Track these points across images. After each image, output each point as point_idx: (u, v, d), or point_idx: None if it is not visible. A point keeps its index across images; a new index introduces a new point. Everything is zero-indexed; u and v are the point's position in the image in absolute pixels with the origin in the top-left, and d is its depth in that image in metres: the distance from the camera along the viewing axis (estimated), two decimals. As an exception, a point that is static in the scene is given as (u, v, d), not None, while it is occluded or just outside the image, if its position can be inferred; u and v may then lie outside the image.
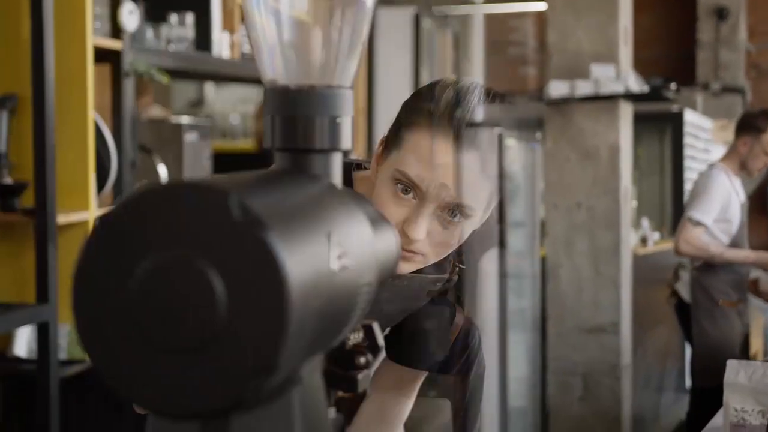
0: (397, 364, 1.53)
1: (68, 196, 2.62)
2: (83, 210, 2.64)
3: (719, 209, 4.35)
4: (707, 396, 4.36)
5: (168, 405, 0.66)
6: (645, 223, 6.74)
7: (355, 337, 1.00)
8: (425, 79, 6.33)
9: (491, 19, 9.02)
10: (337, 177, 0.87)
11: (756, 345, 5.43)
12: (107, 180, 2.74)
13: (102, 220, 0.67)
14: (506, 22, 9.67)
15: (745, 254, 4.48)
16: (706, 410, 4.64)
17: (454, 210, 1.27)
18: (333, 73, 0.87)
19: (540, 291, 5.46)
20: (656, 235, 6.65)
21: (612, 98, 5.45)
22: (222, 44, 3.36)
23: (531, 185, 6.26)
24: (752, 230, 5.84)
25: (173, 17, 3.18)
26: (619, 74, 5.49)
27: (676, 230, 4.56)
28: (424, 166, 1.27)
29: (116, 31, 2.79)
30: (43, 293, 2.44)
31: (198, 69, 3.28)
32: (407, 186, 1.28)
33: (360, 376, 0.89)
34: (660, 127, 7.20)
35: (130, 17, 2.76)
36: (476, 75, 7.78)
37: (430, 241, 1.30)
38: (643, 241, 6.29)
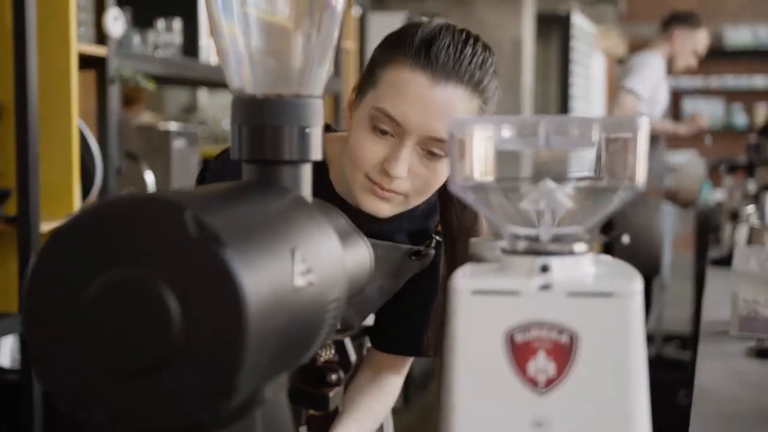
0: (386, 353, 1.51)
1: (52, 203, 2.59)
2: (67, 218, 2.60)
3: (651, 88, 4.40)
4: None
5: (123, 428, 0.64)
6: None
7: (326, 354, 0.97)
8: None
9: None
10: (306, 189, 0.84)
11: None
12: (92, 187, 2.71)
13: (55, 234, 0.64)
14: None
15: (667, 125, 4.52)
16: None
17: (436, 146, 1.25)
18: (302, 82, 0.85)
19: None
20: None
21: None
22: (210, 50, 3.33)
23: None
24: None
25: (160, 23, 3.16)
26: None
27: (612, 104, 4.54)
28: (403, 101, 1.25)
29: (102, 37, 2.76)
30: (26, 302, 2.41)
31: (185, 75, 3.25)
32: (385, 124, 1.26)
33: (331, 393, 0.86)
34: (547, 29, 7.12)
35: (116, 23, 2.73)
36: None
37: (411, 181, 1.27)
38: None
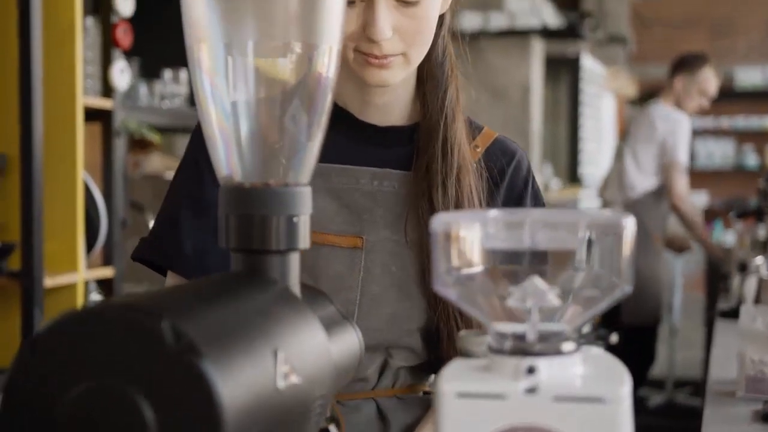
0: None
1: (56, 258, 2.59)
2: (72, 272, 2.60)
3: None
4: (635, 334, 4.36)
5: None
6: (547, 169, 6.73)
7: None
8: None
9: None
10: (294, 277, 0.84)
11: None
12: (96, 240, 2.71)
13: (30, 342, 0.63)
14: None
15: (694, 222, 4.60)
16: (634, 348, 4.62)
17: None
18: (290, 170, 0.84)
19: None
20: (557, 182, 6.68)
21: (525, 33, 5.46)
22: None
23: None
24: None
25: (167, 73, 3.17)
26: (534, 6, 5.49)
27: (666, 180, 4.51)
28: None
29: (108, 89, 2.77)
30: (29, 356, 2.39)
31: (192, 125, 3.26)
32: None
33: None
34: (555, 71, 7.13)
35: (122, 76, 2.75)
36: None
37: (400, 37, 1.21)
38: (545, 187, 6.31)
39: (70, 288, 2.62)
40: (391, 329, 1.25)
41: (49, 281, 2.51)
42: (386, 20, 1.18)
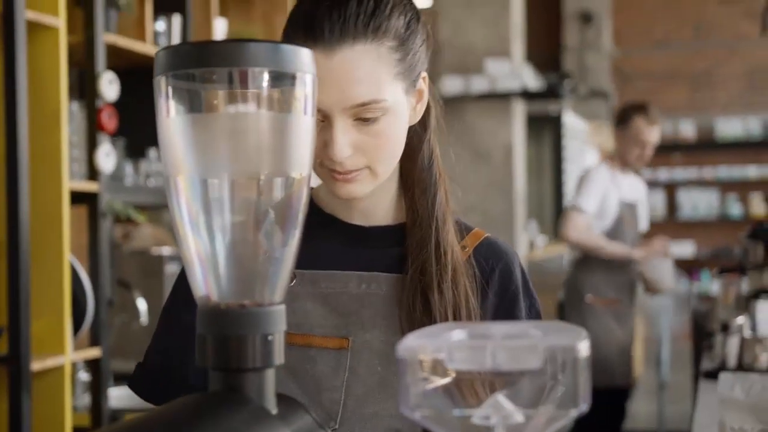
0: None
1: (43, 341, 2.61)
2: (59, 354, 2.62)
3: (598, 202, 4.40)
4: (607, 396, 4.32)
5: None
6: (533, 226, 6.74)
7: None
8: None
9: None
10: (269, 393, 0.87)
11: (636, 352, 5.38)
12: (84, 322, 2.73)
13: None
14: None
15: (622, 248, 4.45)
16: (603, 409, 4.56)
17: (365, 111, 1.20)
18: (264, 290, 0.88)
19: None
20: (543, 239, 6.71)
21: (506, 96, 5.50)
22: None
23: None
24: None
25: (152, 152, 3.22)
26: (514, 69, 5.54)
27: (561, 223, 4.51)
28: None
29: (93, 172, 2.81)
30: (17, 442, 2.42)
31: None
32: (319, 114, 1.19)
33: None
34: (538, 129, 7.20)
35: (107, 159, 2.79)
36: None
37: (362, 153, 1.22)
38: (531, 244, 6.33)
39: (58, 370, 2.63)
40: (375, 428, 1.28)
41: (36, 364, 2.53)
42: (344, 140, 1.20)
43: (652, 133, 4.46)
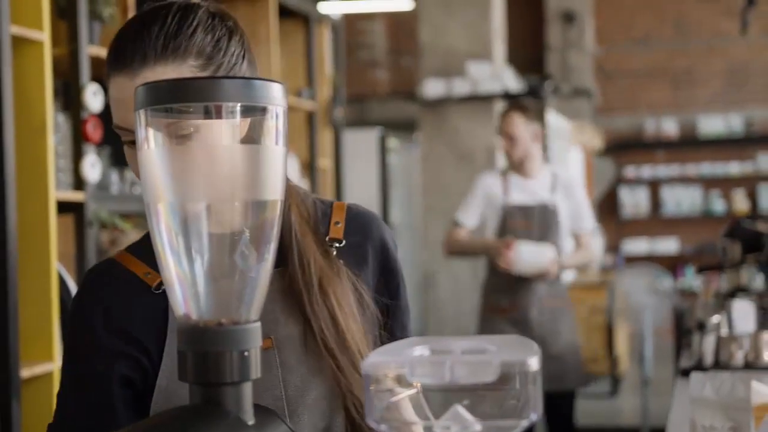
0: None
1: (31, 348, 2.66)
2: (47, 362, 2.68)
3: (478, 214, 4.32)
4: (557, 399, 4.31)
5: None
6: None
7: None
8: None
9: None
10: (247, 405, 0.93)
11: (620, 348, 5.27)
12: (72, 328, 2.78)
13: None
14: (354, 24, 9.73)
15: (482, 240, 4.36)
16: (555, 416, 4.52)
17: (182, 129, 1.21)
18: (241, 309, 0.94)
19: (420, 298, 5.36)
20: None
21: (488, 98, 5.47)
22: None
23: (409, 188, 6.27)
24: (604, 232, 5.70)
25: (137, 160, 3.27)
26: (495, 72, 5.55)
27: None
28: (118, 108, 1.24)
29: (79, 182, 2.87)
30: (8, 451, 2.47)
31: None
32: (128, 136, 1.24)
33: None
34: None
35: (93, 169, 2.85)
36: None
37: None
38: None
39: (46, 377, 2.69)
40: (323, 412, 1.33)
41: (24, 372, 2.58)
42: None
43: (512, 125, 4.24)
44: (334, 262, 1.35)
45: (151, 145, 0.92)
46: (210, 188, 0.92)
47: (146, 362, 1.32)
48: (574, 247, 4.48)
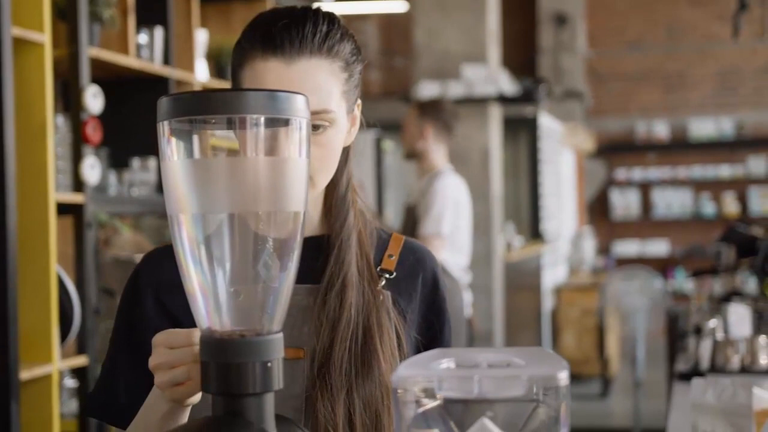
0: None
1: (31, 350, 2.65)
2: (47, 363, 2.67)
3: (451, 217, 4.01)
4: None
5: None
6: (510, 227, 6.80)
7: None
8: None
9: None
10: (269, 416, 0.93)
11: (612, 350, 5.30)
12: (70, 330, 2.77)
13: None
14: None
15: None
16: None
17: (316, 119, 1.25)
18: (263, 320, 0.94)
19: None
20: (519, 240, 6.79)
21: (483, 101, 5.44)
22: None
23: (404, 190, 6.20)
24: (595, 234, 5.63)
25: (135, 162, 3.26)
26: (490, 75, 5.52)
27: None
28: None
29: (79, 184, 2.86)
30: (6, 453, 2.46)
31: (161, 211, 3.35)
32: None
33: None
34: (514, 131, 7.25)
35: (92, 171, 2.84)
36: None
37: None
38: (508, 246, 6.36)
39: (46, 379, 2.68)
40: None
41: (24, 374, 2.57)
42: None
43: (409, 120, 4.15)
44: (380, 292, 1.34)
45: (174, 156, 0.92)
46: (232, 200, 0.92)
47: None
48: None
